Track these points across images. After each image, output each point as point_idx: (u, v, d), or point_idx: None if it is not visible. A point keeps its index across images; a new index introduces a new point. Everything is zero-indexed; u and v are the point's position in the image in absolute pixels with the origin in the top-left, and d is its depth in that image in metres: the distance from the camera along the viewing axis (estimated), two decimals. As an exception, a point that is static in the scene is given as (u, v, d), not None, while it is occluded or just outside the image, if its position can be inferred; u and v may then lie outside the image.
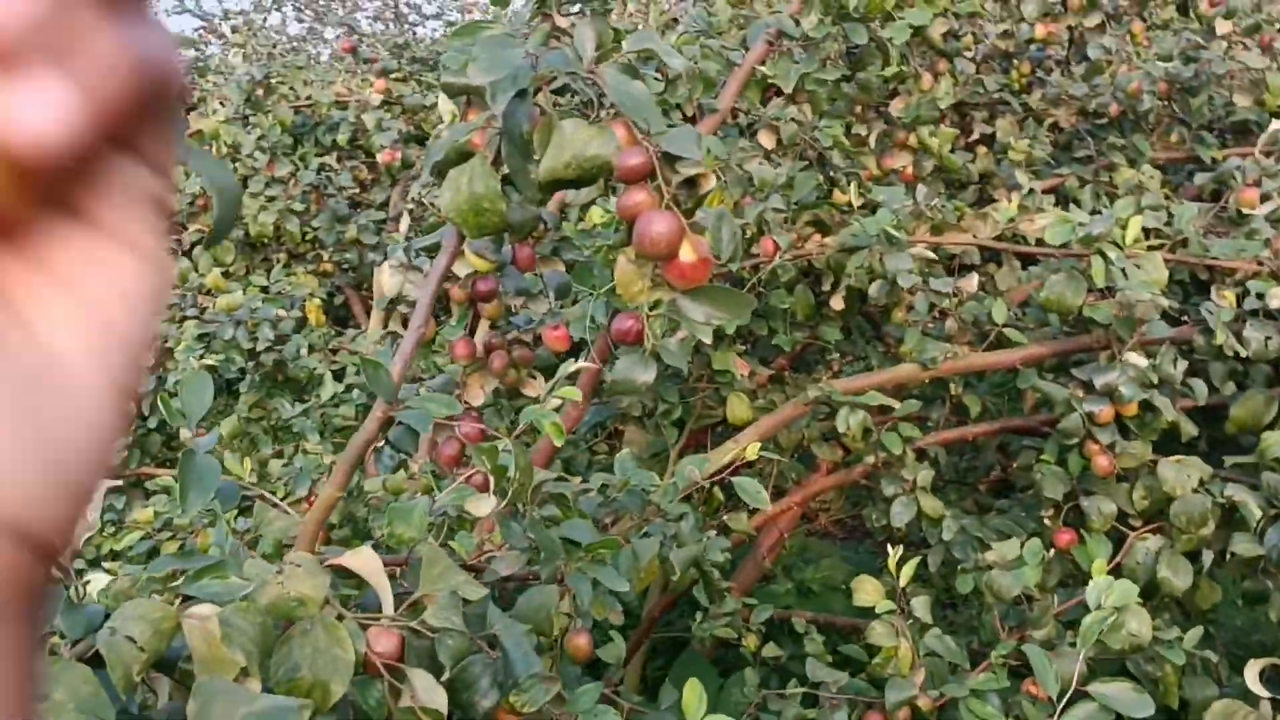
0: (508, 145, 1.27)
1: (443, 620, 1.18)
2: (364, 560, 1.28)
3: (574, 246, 2.44)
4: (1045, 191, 3.22)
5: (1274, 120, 2.86)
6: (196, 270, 3.91)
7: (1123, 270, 2.24)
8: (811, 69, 2.72)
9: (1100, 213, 2.52)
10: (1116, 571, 2.10)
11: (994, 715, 1.88)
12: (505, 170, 1.29)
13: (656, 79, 2.67)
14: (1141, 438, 2.29)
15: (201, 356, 3.25)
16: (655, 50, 1.21)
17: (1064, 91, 3.47)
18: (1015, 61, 3.70)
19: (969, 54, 3.62)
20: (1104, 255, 2.22)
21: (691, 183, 1.16)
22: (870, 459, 2.55)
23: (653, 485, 1.98)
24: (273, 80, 4.25)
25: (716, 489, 2.76)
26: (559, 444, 1.44)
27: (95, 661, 0.87)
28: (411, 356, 1.33)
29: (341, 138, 4.14)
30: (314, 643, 1.08)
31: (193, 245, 4.16)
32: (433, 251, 1.59)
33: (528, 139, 1.25)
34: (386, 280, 1.63)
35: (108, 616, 0.92)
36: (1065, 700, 1.60)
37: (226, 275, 3.81)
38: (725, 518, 2.76)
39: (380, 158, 3.94)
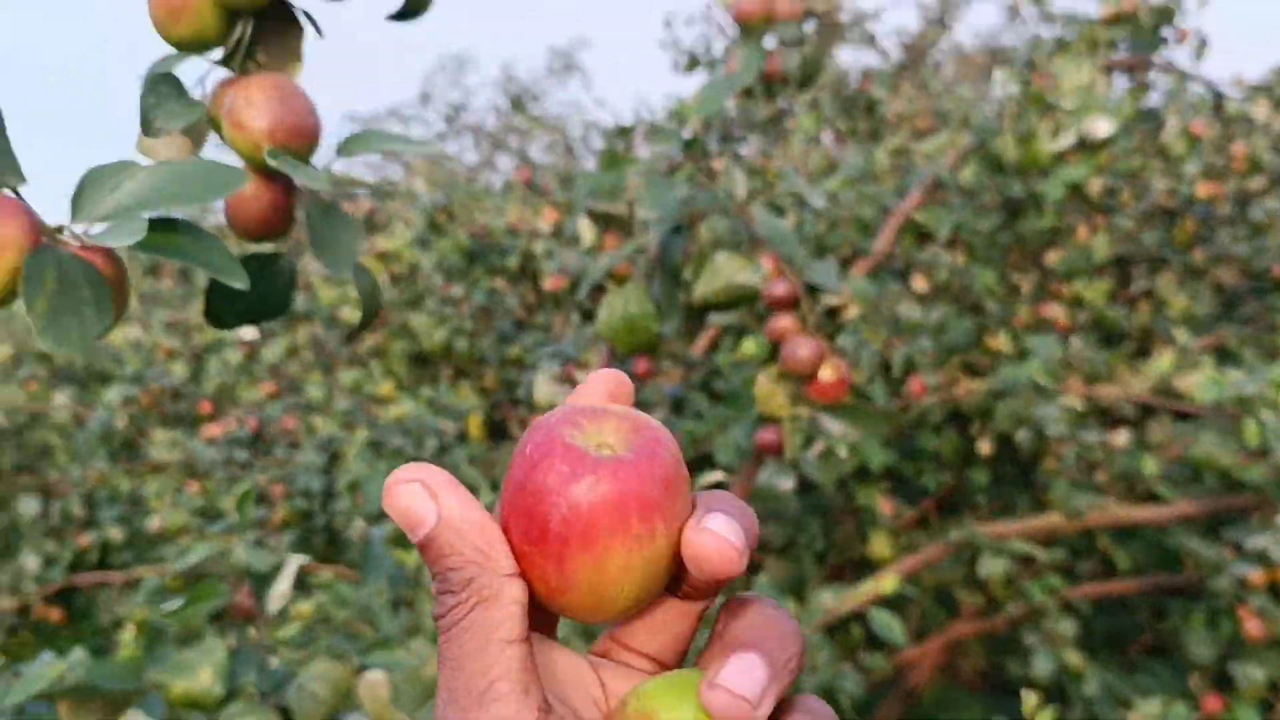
0: (661, 273, 1.38)
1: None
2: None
3: (723, 377, 2.55)
4: (1204, 349, 3.19)
5: None
6: (371, 379, 4.16)
7: (1276, 432, 2.21)
8: (966, 218, 2.79)
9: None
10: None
11: None
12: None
13: (811, 221, 2.79)
14: (1298, 605, 2.21)
15: (370, 463, 3.44)
16: (802, 192, 1.32)
17: (1228, 250, 3.44)
18: (1180, 218, 3.70)
19: (1129, 210, 3.65)
20: (1256, 416, 2.19)
21: (832, 311, 1.25)
22: (1013, 607, 2.53)
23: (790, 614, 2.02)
24: (453, 207, 4.55)
25: (855, 625, 2.77)
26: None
27: (284, 713, 0.98)
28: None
29: (512, 263, 4.37)
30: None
31: (368, 357, 4.44)
32: (580, 364, 1.71)
33: (679, 267, 1.36)
34: (542, 390, 1.75)
35: (291, 676, 1.04)
36: None
37: (398, 387, 4.04)
38: (864, 657, 2.77)
39: (546, 284, 4.15)
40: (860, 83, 3.86)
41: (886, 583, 1.98)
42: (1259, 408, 2.22)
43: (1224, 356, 3.25)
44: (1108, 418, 2.84)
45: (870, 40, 4.75)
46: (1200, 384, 2.31)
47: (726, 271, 1.30)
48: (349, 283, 4.77)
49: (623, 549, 0.39)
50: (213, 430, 4.19)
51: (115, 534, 3.90)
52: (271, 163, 0.65)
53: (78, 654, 1.21)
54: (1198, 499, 2.48)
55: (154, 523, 3.84)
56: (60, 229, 0.57)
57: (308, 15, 0.71)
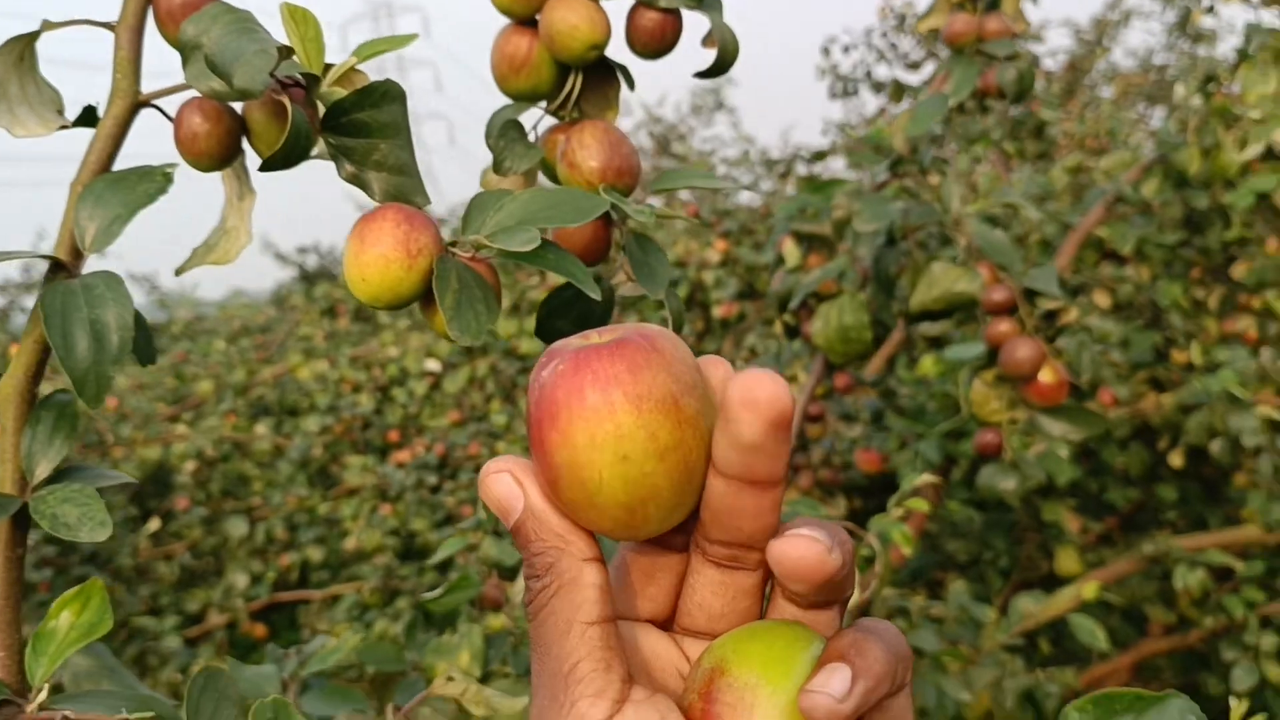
0: (875, 283, 1.47)
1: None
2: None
3: (895, 393, 2.60)
4: None
5: None
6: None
7: None
8: (1150, 233, 2.79)
9: None
10: None
11: None
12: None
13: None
14: None
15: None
16: (1017, 203, 1.39)
17: None
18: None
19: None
20: None
21: (1051, 315, 1.31)
22: (1208, 622, 2.50)
23: (986, 618, 2.06)
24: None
25: (1044, 641, 2.78)
26: (908, 553, 1.59)
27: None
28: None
29: (682, 293, 4.50)
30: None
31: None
32: (789, 378, 1.80)
33: (894, 278, 1.45)
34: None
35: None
36: None
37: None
38: (1050, 669, 2.76)
39: (717, 311, 4.26)
40: (1028, 103, 3.87)
41: (1088, 589, 2.01)
42: None
43: None
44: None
45: (1035, 63, 4.73)
46: None
47: (944, 281, 1.38)
48: (528, 314, 4.97)
49: (582, 422, 0.39)
50: (402, 456, 4.43)
51: (314, 554, 4.14)
52: (606, 197, 0.76)
53: (348, 637, 1.34)
54: (1407, 511, 2.42)
55: (350, 543, 4.06)
56: (455, 241, 0.69)
57: (623, 69, 0.83)
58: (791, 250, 1.93)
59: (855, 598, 1.53)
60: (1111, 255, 3.04)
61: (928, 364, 2.84)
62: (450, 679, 0.93)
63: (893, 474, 2.57)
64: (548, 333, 0.78)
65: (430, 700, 0.94)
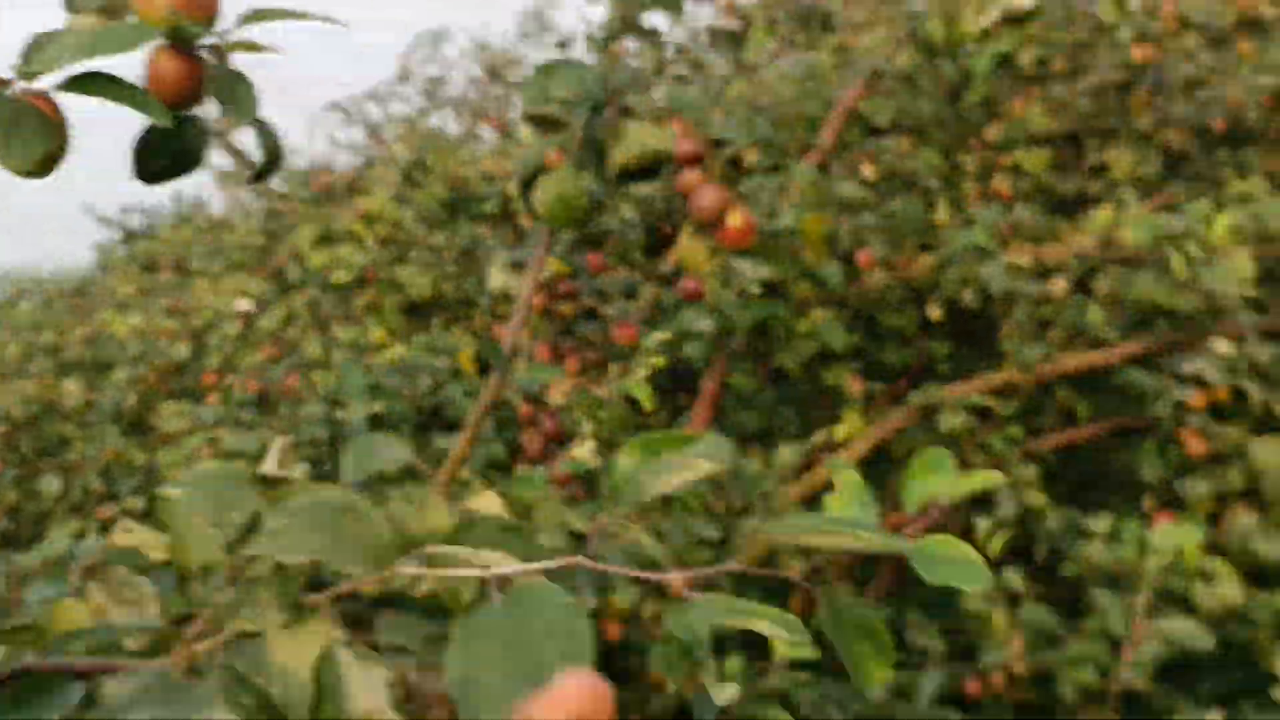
0: (586, 150, 1.53)
1: (552, 542, 1.41)
2: (488, 501, 1.53)
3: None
4: (1154, 209, 3.31)
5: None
6: (366, 334, 4.32)
7: (1203, 264, 2.35)
8: (906, 104, 2.92)
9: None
10: (1216, 550, 2.19)
11: (1092, 681, 1.98)
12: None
13: (762, 121, 2.92)
14: (1241, 422, 2.37)
15: (371, 402, 3.60)
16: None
17: (1171, 113, 3.56)
18: (1132, 88, 3.83)
19: (1078, 81, 3.78)
20: (1184, 251, 2.33)
21: (734, 161, 1.39)
22: (977, 460, 2.68)
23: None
24: (427, 161, 4.68)
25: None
26: (649, 407, 1.67)
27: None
28: (517, 332, 1.59)
29: (490, 208, 4.51)
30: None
31: (363, 314, 4.59)
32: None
33: (603, 143, 1.50)
34: (495, 279, 1.90)
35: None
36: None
37: (391, 334, 4.20)
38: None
39: (525, 222, 4.29)
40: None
41: (840, 430, 2.13)
42: (1186, 242, 2.37)
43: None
44: (1055, 275, 2.97)
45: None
46: (1134, 226, 2.45)
47: (639, 139, 1.44)
48: (338, 243, 4.92)
49: None
50: (216, 397, 4.36)
51: (135, 504, 4.07)
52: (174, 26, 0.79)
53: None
54: (1142, 339, 2.62)
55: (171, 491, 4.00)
56: (10, 80, 0.72)
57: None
58: (528, 135, 1.97)
59: (591, 450, 1.61)
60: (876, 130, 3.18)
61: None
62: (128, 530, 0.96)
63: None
64: (146, 172, 0.81)
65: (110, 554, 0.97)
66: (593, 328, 2.08)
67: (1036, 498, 2.58)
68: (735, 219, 1.37)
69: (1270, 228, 2.49)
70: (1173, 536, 1.78)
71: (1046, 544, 2.52)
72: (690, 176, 1.38)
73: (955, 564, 0.80)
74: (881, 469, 3.14)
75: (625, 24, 1.72)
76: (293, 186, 5.89)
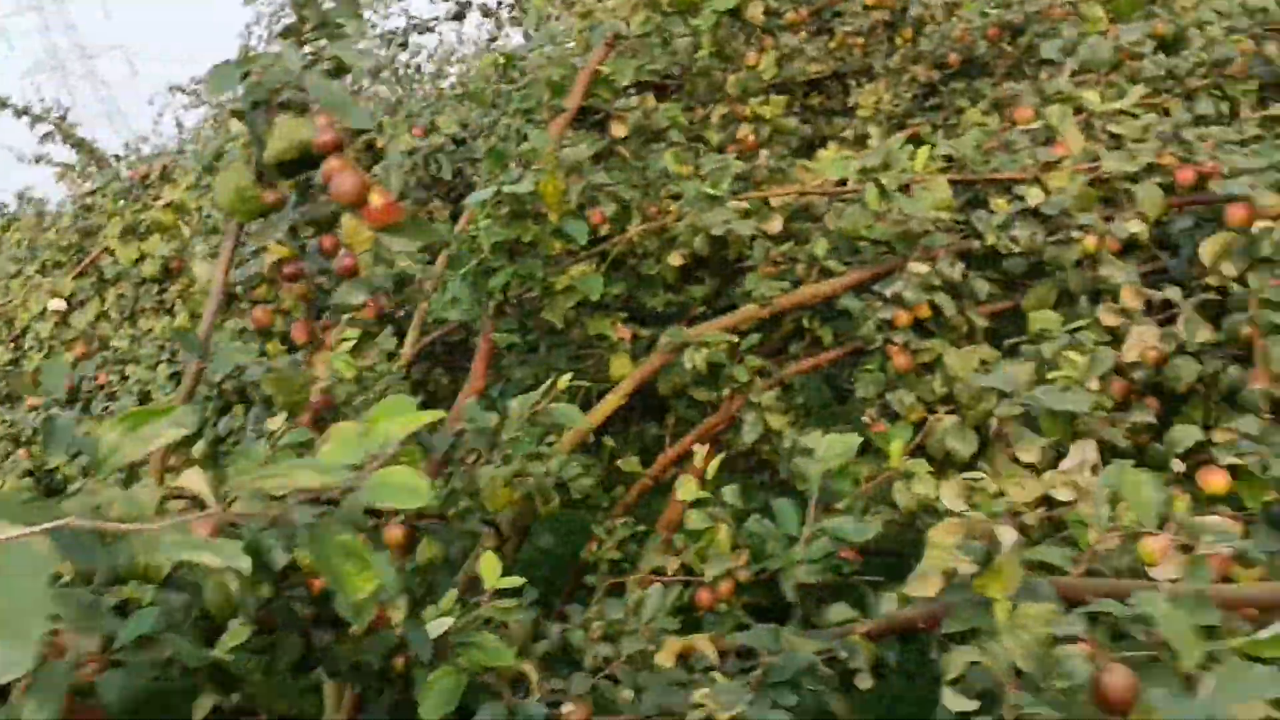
0: (254, 145, 1.66)
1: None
2: (192, 479, 1.67)
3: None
4: (909, 139, 3.56)
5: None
6: (173, 322, 4.36)
7: (899, 194, 2.59)
8: (646, 62, 3.10)
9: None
10: (920, 452, 2.44)
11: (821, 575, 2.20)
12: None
13: (508, 90, 3.07)
14: (941, 335, 2.62)
15: (169, 394, 3.68)
16: (345, 58, 1.60)
17: (912, 51, 3.82)
18: (897, 27, 4.09)
19: (848, 26, 4.01)
20: (878, 183, 2.56)
21: (371, 146, 1.54)
22: (725, 391, 2.90)
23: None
24: (225, 151, 4.71)
25: (607, 439, 3.13)
26: (349, 375, 1.83)
27: None
28: (210, 323, 1.72)
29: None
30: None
31: (171, 305, 4.63)
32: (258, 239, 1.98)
33: (263, 137, 1.64)
34: (200, 270, 2.02)
35: None
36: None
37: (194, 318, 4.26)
38: (619, 462, 3.14)
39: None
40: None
41: (562, 381, 2.31)
42: (879, 175, 2.60)
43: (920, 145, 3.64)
44: (805, 215, 3.19)
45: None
46: (830, 165, 2.67)
47: (289, 132, 1.58)
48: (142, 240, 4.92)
49: None
50: (33, 400, 4.37)
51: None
52: None
53: None
54: (864, 268, 2.86)
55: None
56: None
57: None
58: (236, 126, 2.09)
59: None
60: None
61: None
62: None
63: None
64: None
65: None
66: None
67: (776, 420, 2.81)
68: (376, 199, 1.52)
69: (966, 157, 2.74)
70: (836, 445, 2.01)
71: (786, 460, 2.75)
72: (331, 164, 1.52)
73: (398, 488, 0.98)
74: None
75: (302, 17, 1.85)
76: (107, 179, 5.84)
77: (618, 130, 3.17)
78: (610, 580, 2.44)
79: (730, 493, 2.31)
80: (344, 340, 1.90)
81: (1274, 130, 2.64)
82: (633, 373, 2.99)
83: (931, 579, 1.60)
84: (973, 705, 1.34)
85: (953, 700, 1.33)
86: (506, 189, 2.67)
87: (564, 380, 2.28)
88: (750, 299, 2.93)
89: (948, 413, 2.55)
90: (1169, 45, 3.33)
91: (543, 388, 2.30)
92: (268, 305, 2.07)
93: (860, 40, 3.95)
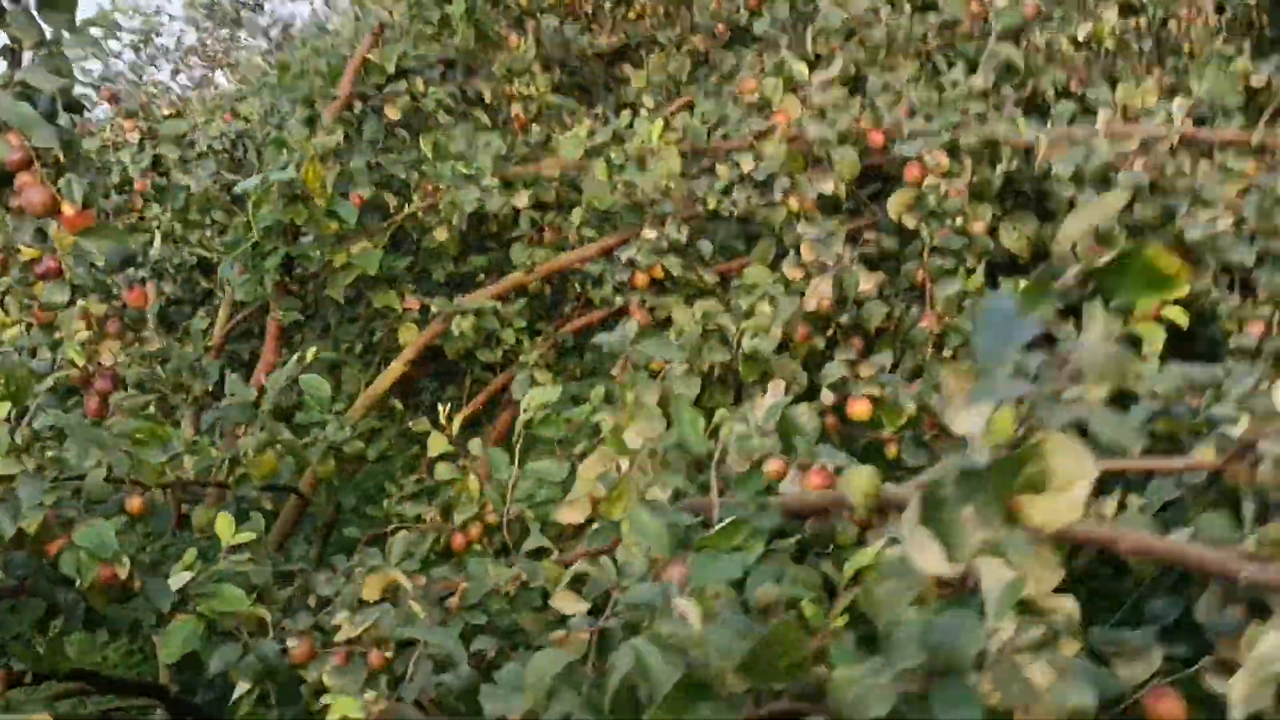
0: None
1: None
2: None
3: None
4: (677, 110, 3.82)
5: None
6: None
7: (631, 166, 2.85)
8: (409, 48, 3.30)
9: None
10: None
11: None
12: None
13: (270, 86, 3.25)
14: (679, 292, 2.90)
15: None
16: (33, 82, 1.79)
17: (689, 22, 4.07)
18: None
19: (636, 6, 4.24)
20: (607, 159, 2.82)
21: (59, 161, 1.74)
22: (491, 355, 3.15)
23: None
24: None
25: (399, 404, 3.36)
26: (80, 362, 2.04)
27: None
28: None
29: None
30: None
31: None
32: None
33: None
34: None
35: None
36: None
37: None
38: (411, 424, 3.37)
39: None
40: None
41: (310, 354, 2.54)
42: (609, 151, 2.85)
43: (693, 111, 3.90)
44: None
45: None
46: (565, 144, 2.92)
47: (-12, 152, 1.77)
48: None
49: None
50: None
51: None
52: None
53: None
54: (616, 235, 3.12)
55: None
56: None
57: None
58: None
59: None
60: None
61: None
62: None
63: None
64: None
65: None
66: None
67: (543, 377, 3.07)
68: (68, 209, 1.73)
69: (692, 129, 3.01)
70: (537, 396, 2.27)
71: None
72: (22, 179, 1.72)
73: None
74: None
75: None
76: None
77: (390, 113, 3.38)
78: (370, 533, 2.67)
79: (476, 445, 2.57)
80: (77, 331, 2.11)
81: (953, 93, 2.95)
82: (414, 341, 3.23)
83: (578, 506, 1.88)
84: (583, 606, 1.61)
85: (561, 600, 1.60)
86: (273, 176, 2.86)
87: (311, 353, 2.51)
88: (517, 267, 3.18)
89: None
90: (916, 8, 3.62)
91: (292, 359, 2.52)
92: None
93: (641, 11, 4.19)
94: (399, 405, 3.38)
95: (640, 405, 2.09)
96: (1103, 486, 1.78)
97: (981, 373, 0.86)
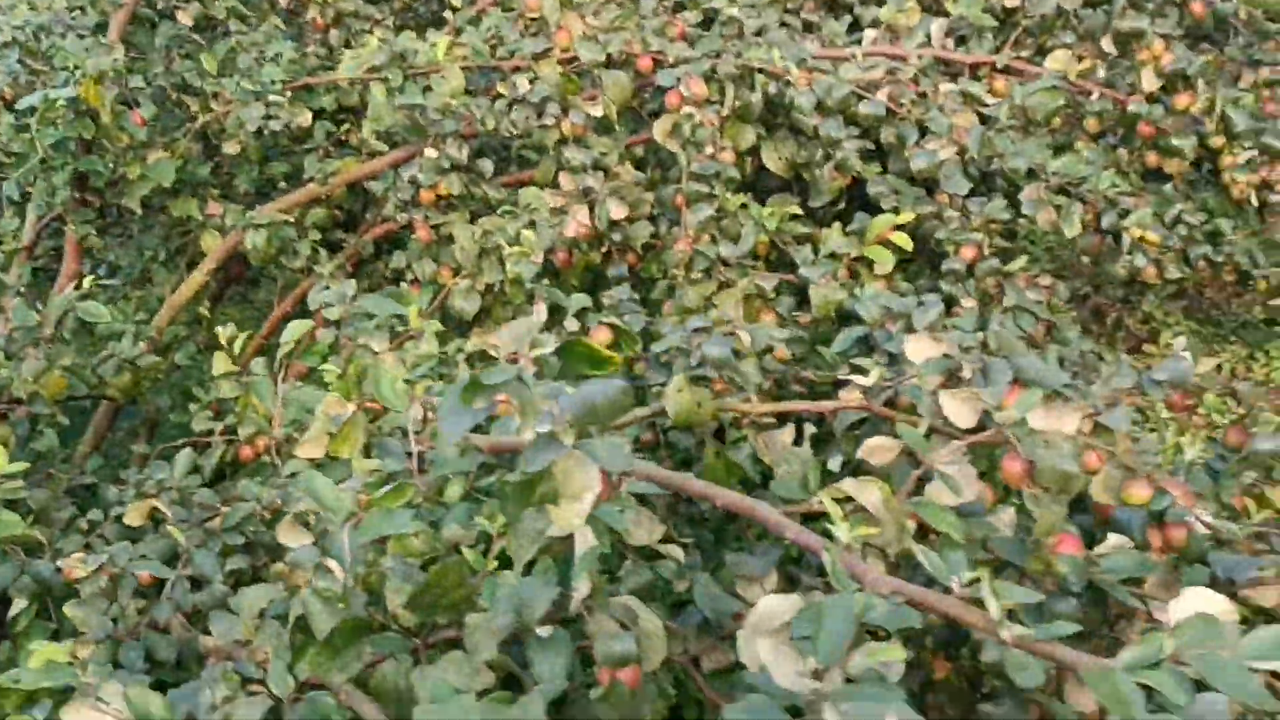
0: None
1: None
2: None
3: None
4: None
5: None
6: None
7: (412, 86, 2.94)
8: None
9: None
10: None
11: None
12: None
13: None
14: (460, 211, 3.03)
15: None
16: None
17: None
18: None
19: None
20: (385, 82, 2.91)
21: None
22: (290, 262, 3.26)
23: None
24: None
25: (203, 310, 3.47)
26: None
27: None
28: None
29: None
30: None
31: None
32: None
33: None
34: None
35: None
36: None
37: None
38: (218, 330, 3.49)
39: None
40: None
41: (88, 281, 2.63)
42: (384, 73, 2.94)
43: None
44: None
45: None
46: (345, 63, 2.99)
47: None
48: None
49: None
50: None
51: None
52: None
53: None
54: (398, 150, 3.22)
55: None
56: None
57: None
58: None
59: None
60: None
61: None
62: None
63: None
64: None
65: None
66: None
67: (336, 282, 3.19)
68: None
69: (475, 47, 3.10)
70: (296, 328, 2.42)
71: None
72: None
73: None
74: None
75: None
76: None
77: (183, 18, 3.39)
78: (162, 446, 2.82)
79: (258, 365, 2.71)
80: None
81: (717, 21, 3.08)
82: (214, 250, 3.32)
83: (317, 443, 2.05)
84: (306, 539, 1.80)
85: (285, 534, 1.78)
86: (53, 94, 2.89)
87: (89, 280, 2.61)
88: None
89: (463, 278, 2.99)
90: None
91: (85, 282, 2.62)
92: None
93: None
94: (206, 313, 3.49)
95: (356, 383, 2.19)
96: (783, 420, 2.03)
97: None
